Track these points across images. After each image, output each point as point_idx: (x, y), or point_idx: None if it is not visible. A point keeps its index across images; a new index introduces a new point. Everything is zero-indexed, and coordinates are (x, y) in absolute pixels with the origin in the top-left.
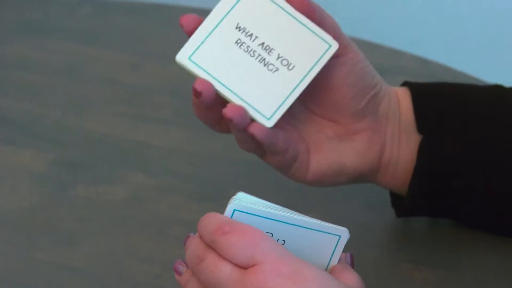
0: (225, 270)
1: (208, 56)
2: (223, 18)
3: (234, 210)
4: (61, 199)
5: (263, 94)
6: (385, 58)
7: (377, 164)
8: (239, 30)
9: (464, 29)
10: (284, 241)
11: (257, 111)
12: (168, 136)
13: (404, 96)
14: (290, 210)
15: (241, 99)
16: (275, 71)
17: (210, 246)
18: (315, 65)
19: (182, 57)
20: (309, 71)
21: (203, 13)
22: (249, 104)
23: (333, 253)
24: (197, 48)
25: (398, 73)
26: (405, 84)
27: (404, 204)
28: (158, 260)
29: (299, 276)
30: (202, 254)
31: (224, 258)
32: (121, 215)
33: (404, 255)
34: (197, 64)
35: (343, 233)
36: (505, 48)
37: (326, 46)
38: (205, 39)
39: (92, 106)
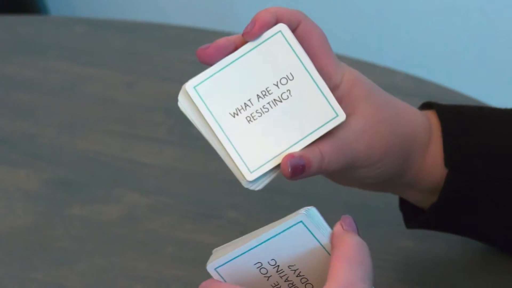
0: None
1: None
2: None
3: (215, 269)
4: (55, 218)
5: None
6: (379, 77)
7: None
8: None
9: (458, 48)
10: (274, 260)
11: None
12: (163, 155)
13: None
14: (250, 233)
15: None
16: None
17: None
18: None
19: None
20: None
21: (196, 32)
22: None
23: (314, 236)
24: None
25: (392, 92)
26: (429, 106)
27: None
28: (153, 279)
29: None
30: None
31: None
32: (116, 234)
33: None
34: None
35: (302, 217)
36: (498, 67)
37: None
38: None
39: (86, 125)
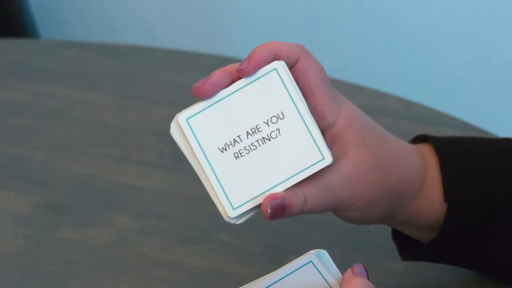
0: None
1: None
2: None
3: None
4: (46, 241)
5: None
6: (370, 100)
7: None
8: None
9: (448, 71)
10: None
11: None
12: (153, 178)
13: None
14: (263, 276)
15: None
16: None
17: None
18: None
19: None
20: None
21: (187, 55)
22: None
23: (323, 276)
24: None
25: (382, 115)
26: (425, 139)
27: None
28: None
29: None
30: None
31: None
32: (107, 257)
33: None
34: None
35: (312, 257)
36: (489, 89)
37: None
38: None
39: (77, 148)
